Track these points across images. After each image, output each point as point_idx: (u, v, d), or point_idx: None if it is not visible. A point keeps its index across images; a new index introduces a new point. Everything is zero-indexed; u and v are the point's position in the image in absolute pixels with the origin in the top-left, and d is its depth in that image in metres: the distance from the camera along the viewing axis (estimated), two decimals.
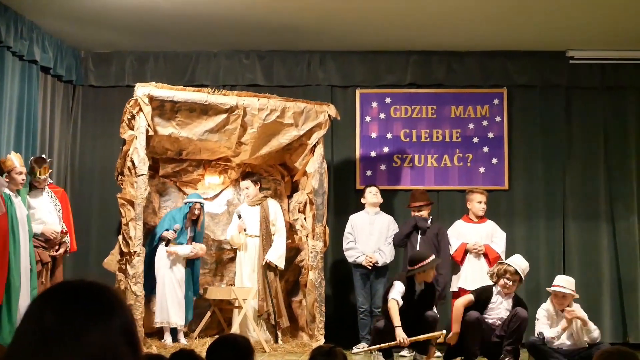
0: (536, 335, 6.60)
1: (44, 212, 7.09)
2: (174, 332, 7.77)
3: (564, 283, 6.68)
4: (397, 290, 6.71)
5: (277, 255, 7.96)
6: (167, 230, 7.76)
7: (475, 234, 7.91)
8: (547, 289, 6.87)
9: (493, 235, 7.96)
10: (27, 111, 7.75)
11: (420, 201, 8.01)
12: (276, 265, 7.96)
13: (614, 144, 8.99)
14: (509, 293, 6.74)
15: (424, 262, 6.77)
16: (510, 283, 6.68)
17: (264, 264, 7.91)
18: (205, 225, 8.22)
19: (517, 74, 9.05)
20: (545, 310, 6.70)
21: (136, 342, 1.42)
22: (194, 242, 7.93)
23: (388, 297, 6.70)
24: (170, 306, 7.68)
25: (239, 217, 8.06)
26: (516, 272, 6.69)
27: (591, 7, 7.52)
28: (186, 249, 7.81)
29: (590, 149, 8.99)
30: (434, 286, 7.06)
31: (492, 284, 6.81)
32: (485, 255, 7.82)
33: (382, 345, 6.71)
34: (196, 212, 7.89)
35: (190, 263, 7.94)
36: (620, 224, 8.84)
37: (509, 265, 6.75)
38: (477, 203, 7.98)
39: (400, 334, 6.55)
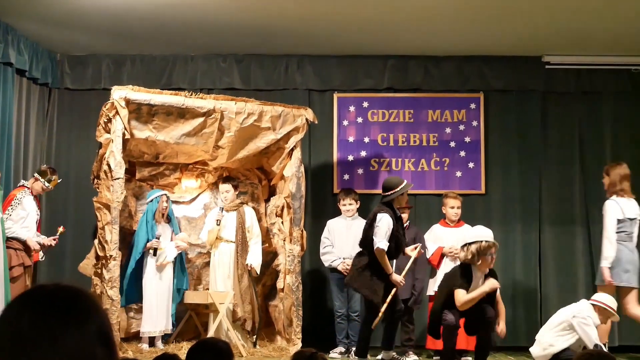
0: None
1: (32, 220, 7.15)
2: (150, 336, 7.73)
3: (614, 305, 6.74)
4: (384, 230, 6.75)
5: (257, 262, 7.95)
6: (149, 239, 7.69)
7: (452, 238, 7.93)
8: (605, 307, 6.67)
9: None
10: (1, 114, 7.67)
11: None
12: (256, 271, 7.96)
13: (589, 148, 9.07)
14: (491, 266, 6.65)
15: (403, 184, 6.95)
16: (495, 255, 6.65)
17: (248, 269, 7.89)
18: (181, 228, 8.21)
19: (493, 79, 9.12)
20: (592, 319, 6.60)
21: (112, 346, 1.42)
22: (174, 237, 7.91)
23: (374, 243, 6.73)
24: (161, 315, 7.67)
25: (221, 209, 8.01)
26: (493, 243, 6.61)
27: (567, 13, 7.60)
28: (173, 252, 7.77)
29: (565, 153, 9.07)
30: (400, 217, 7.16)
31: (464, 263, 6.65)
32: None
33: (388, 300, 6.74)
34: (164, 204, 7.83)
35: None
36: (595, 227, 8.88)
37: (482, 241, 6.54)
38: (450, 208, 8.00)
39: (397, 278, 6.79)
